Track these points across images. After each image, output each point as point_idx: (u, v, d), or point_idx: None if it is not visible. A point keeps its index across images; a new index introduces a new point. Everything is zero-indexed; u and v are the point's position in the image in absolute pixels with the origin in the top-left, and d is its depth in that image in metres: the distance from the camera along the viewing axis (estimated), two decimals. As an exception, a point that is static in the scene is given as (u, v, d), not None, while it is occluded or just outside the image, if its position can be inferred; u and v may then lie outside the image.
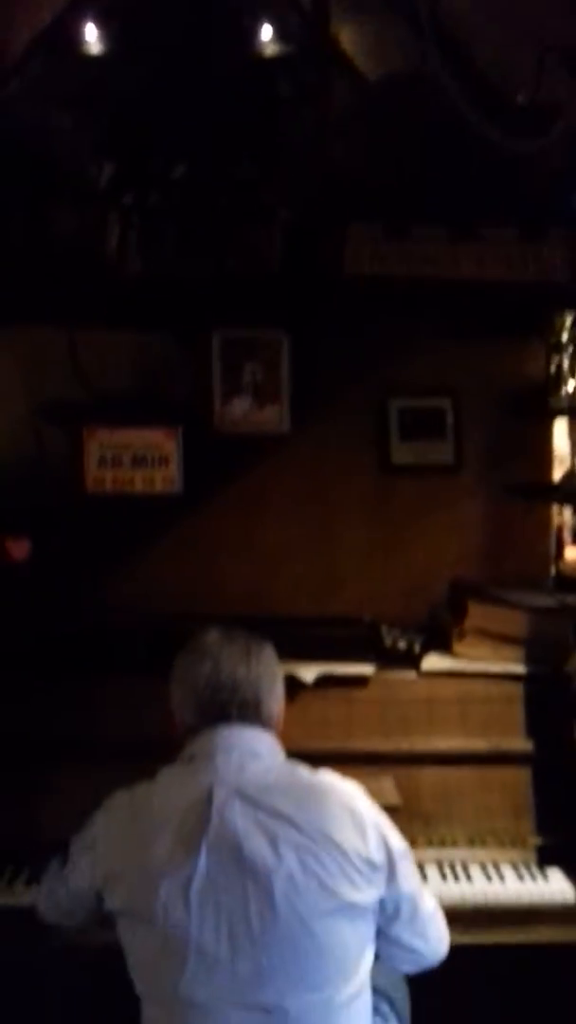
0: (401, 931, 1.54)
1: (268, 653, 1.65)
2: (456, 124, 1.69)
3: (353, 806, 1.49)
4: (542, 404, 2.66)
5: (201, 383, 2.31)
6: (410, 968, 1.64)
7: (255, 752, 1.52)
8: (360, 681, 2.25)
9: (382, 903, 1.50)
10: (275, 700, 1.62)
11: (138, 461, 2.35)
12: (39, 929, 1.83)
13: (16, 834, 2.04)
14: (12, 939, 1.87)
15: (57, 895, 1.67)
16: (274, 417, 2.33)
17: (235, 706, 1.56)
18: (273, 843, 1.42)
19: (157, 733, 2.03)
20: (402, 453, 2.69)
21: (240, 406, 2.32)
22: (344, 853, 1.43)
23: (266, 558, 2.63)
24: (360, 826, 1.47)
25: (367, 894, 1.46)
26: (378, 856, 1.47)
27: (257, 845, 1.41)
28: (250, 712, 1.56)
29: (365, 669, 2.26)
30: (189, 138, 2.37)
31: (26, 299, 2.33)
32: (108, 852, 1.51)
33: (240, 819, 1.43)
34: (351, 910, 1.44)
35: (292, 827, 1.43)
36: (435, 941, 1.62)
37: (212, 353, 2.28)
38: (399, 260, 1.96)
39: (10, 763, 2.10)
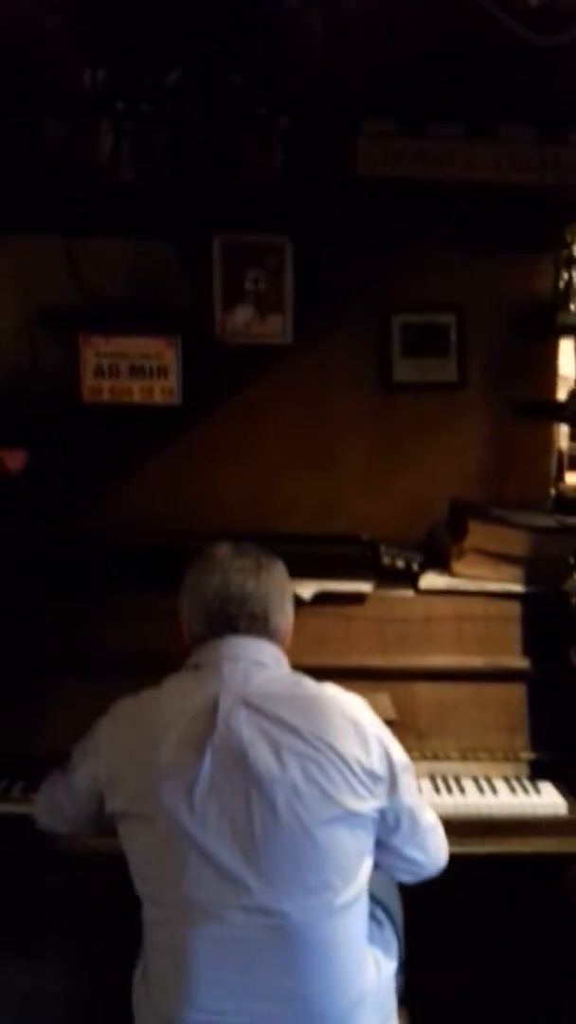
0: (401, 843, 1.58)
1: (278, 569, 1.66)
2: (472, 21, 1.59)
3: (357, 718, 1.51)
4: (549, 321, 2.60)
5: (202, 291, 2.23)
6: (408, 878, 1.68)
7: (261, 662, 1.55)
8: (358, 599, 2.25)
9: (383, 814, 1.52)
10: (283, 615, 1.64)
11: (136, 371, 2.29)
12: (37, 836, 1.86)
13: (12, 747, 2.06)
14: (10, 846, 1.90)
15: (56, 800, 1.70)
16: (276, 327, 2.26)
17: (243, 618, 1.58)
18: (277, 751, 1.44)
19: (154, 647, 2.06)
20: (404, 370, 2.64)
21: (242, 315, 2.25)
22: (347, 763, 1.46)
23: (264, 474, 2.59)
24: (363, 738, 1.49)
25: (368, 804, 1.48)
26: (380, 768, 1.50)
27: (261, 752, 1.44)
28: (257, 625, 1.58)
29: (363, 587, 2.26)
30: (185, 43, 2.25)
31: (20, 208, 2.25)
32: (113, 754, 1.53)
33: (245, 727, 1.45)
34: (352, 818, 1.47)
35: (296, 736, 1.45)
36: (434, 853, 1.65)
37: (213, 260, 2.20)
38: (414, 160, 1.87)
39: (6, 677, 2.10)
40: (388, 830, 1.55)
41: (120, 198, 2.23)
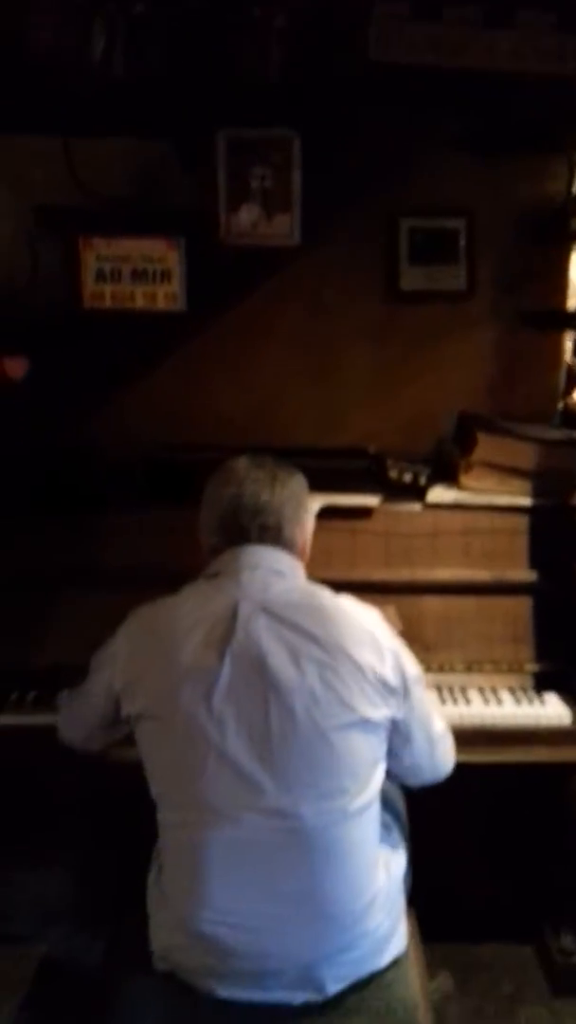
0: (412, 750, 1.60)
1: (296, 481, 1.67)
2: None
3: (372, 629, 1.53)
4: (562, 227, 2.50)
5: (205, 191, 2.13)
6: (416, 783, 1.71)
7: (279, 571, 1.56)
8: (364, 513, 2.23)
9: (395, 723, 1.54)
10: (298, 526, 1.65)
11: (138, 275, 2.20)
12: (49, 745, 1.87)
13: (22, 659, 2.06)
14: (22, 755, 1.92)
15: (74, 709, 1.71)
16: (284, 228, 2.15)
17: (256, 528, 1.59)
18: (295, 657, 1.45)
19: (158, 561, 2.06)
20: (411, 278, 2.55)
21: (248, 215, 2.15)
22: (362, 671, 1.48)
23: (268, 386, 2.53)
24: (378, 648, 1.51)
25: (381, 712, 1.50)
26: (394, 679, 1.51)
27: (280, 659, 1.45)
28: (271, 534, 1.59)
29: (370, 500, 2.23)
30: None
31: (16, 107, 2.13)
32: (131, 658, 1.54)
33: (264, 633, 1.47)
34: (366, 725, 1.49)
35: (314, 644, 1.47)
36: (442, 761, 1.69)
37: (217, 157, 2.09)
38: (428, 47, 1.76)
39: (14, 592, 2.09)
40: (401, 738, 1.57)
41: (116, 96, 2.12)
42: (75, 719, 1.71)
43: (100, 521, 2.18)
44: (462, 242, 2.55)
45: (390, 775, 1.62)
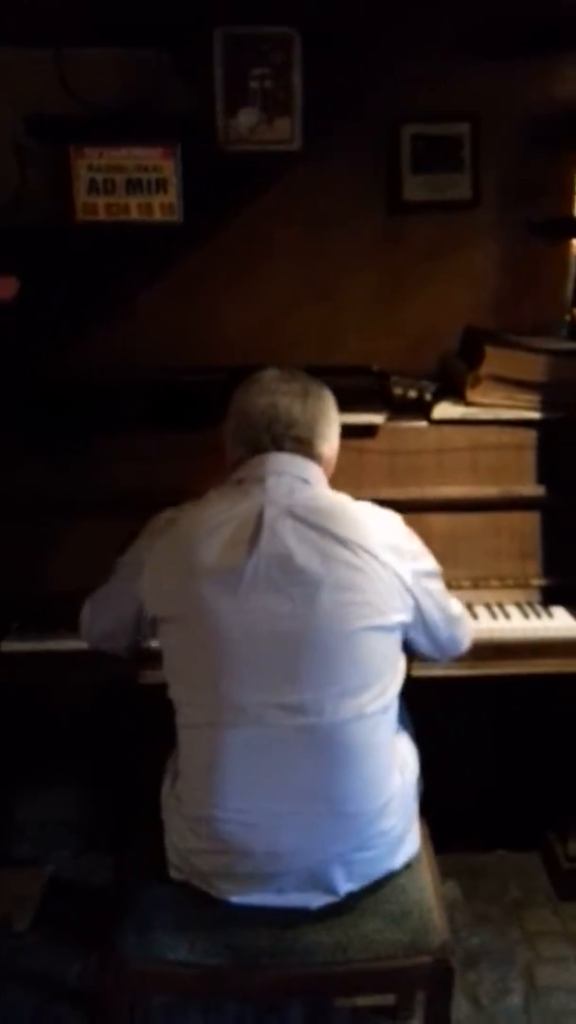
0: (432, 632, 1.63)
1: (326, 397, 1.67)
2: None
3: (395, 532, 1.57)
4: (571, 132, 2.41)
5: (202, 93, 2.03)
6: (436, 656, 1.72)
7: (305, 479, 1.56)
8: (369, 431, 2.19)
9: (416, 613, 1.57)
10: (327, 442, 1.65)
11: (133, 185, 2.13)
12: (52, 669, 1.88)
13: (26, 587, 2.05)
14: (26, 679, 1.93)
15: (100, 611, 1.70)
16: (285, 132, 2.06)
17: (288, 439, 1.58)
18: (322, 558, 1.47)
19: (162, 486, 2.02)
20: (414, 188, 2.47)
21: (247, 119, 2.05)
22: (388, 572, 1.50)
23: (268, 303, 2.47)
24: (400, 551, 1.54)
25: (402, 615, 1.53)
26: (412, 579, 1.54)
27: (306, 558, 1.46)
28: (303, 448, 1.60)
29: (374, 418, 2.19)
30: None
31: (4, 18, 2.03)
32: (154, 561, 1.54)
33: (291, 534, 1.48)
34: (389, 626, 1.52)
35: (341, 545, 1.48)
36: (461, 637, 1.73)
37: (214, 57, 1.99)
38: None
39: (14, 519, 2.07)
40: (423, 623, 1.60)
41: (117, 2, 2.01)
42: (100, 620, 1.71)
43: (102, 446, 2.14)
44: (467, 149, 2.46)
45: (414, 650, 1.65)
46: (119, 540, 1.70)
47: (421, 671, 1.84)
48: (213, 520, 1.51)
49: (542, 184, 2.49)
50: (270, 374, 1.65)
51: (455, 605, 1.70)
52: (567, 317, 2.61)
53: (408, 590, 1.54)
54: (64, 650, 1.94)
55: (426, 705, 1.89)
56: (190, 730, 1.54)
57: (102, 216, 2.15)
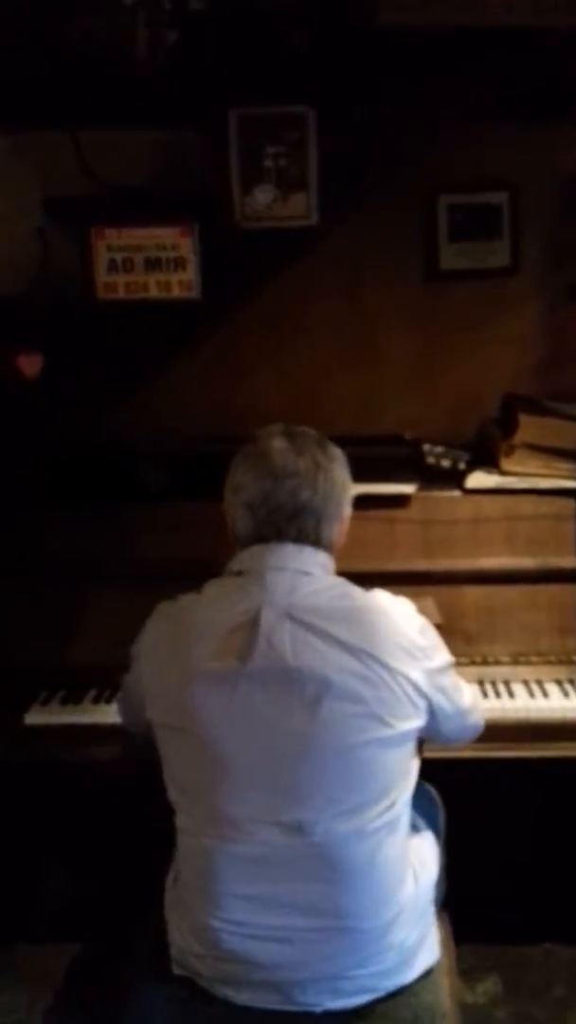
0: (440, 725, 1.51)
1: (339, 468, 1.52)
2: None
3: (406, 629, 1.43)
4: (609, 195, 2.38)
5: (218, 173, 2.08)
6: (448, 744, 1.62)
7: (307, 572, 1.45)
8: (401, 501, 2.16)
9: (429, 710, 1.46)
10: (338, 522, 1.52)
11: (152, 264, 2.16)
12: (76, 744, 1.87)
13: (50, 657, 2.04)
14: (49, 754, 1.91)
15: (123, 699, 1.67)
16: (300, 207, 2.09)
17: (292, 530, 1.46)
18: (323, 667, 1.36)
19: (188, 557, 2.02)
20: (452, 256, 2.46)
21: (262, 196, 2.08)
22: (396, 679, 1.38)
23: (304, 375, 2.48)
24: (411, 651, 1.41)
25: (414, 723, 1.42)
26: (425, 680, 1.42)
27: (307, 666, 1.36)
28: (308, 538, 1.47)
29: (406, 488, 2.16)
30: None
31: (31, 103, 2.12)
32: (151, 658, 1.48)
33: (289, 642, 1.37)
34: (398, 737, 1.40)
35: (344, 651, 1.37)
36: (471, 728, 1.63)
37: (229, 137, 2.04)
38: (442, 5, 1.65)
39: (40, 587, 2.09)
40: (433, 723, 1.48)
41: (140, 88, 2.09)
42: (123, 707, 1.68)
43: (131, 515, 2.15)
44: (505, 216, 2.45)
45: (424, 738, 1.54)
46: (143, 612, 1.68)
47: (452, 753, 1.76)
48: (209, 620, 1.42)
49: (581, 250, 2.45)
50: (276, 446, 1.48)
51: (467, 695, 1.58)
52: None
53: (421, 693, 1.41)
54: (90, 723, 1.93)
55: (462, 785, 1.81)
56: (187, 837, 1.47)
57: (122, 294, 2.19)
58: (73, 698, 1.97)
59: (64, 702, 1.98)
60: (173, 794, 1.48)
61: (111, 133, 2.20)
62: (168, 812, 1.51)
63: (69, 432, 2.26)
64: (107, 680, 1.93)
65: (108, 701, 1.94)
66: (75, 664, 2.02)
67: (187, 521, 2.10)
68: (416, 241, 2.45)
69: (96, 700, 1.97)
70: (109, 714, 1.86)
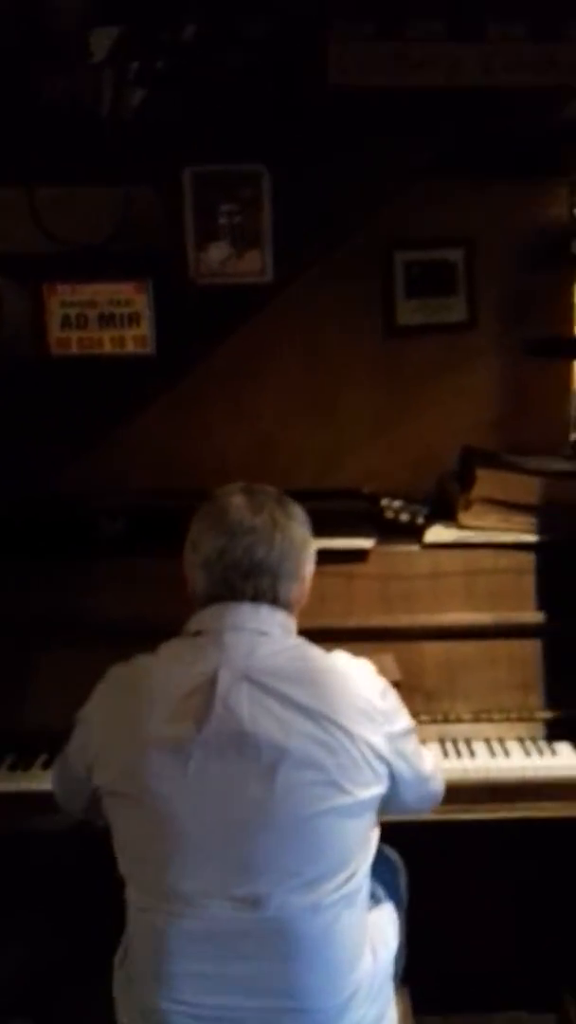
0: (404, 798, 1.47)
1: (298, 526, 1.49)
2: None
3: (367, 693, 1.39)
4: (565, 252, 2.42)
5: (173, 230, 2.09)
6: (399, 813, 1.55)
7: (265, 632, 1.41)
8: (359, 555, 2.13)
9: (391, 776, 1.42)
10: (296, 582, 1.48)
11: (106, 319, 2.15)
12: (24, 814, 1.79)
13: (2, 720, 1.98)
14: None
15: (60, 771, 1.59)
16: (255, 264, 2.10)
17: (248, 589, 1.43)
18: (281, 733, 1.31)
19: (144, 614, 1.98)
20: (409, 312, 2.49)
21: (217, 253, 2.09)
22: (356, 745, 1.34)
23: (263, 428, 2.48)
24: (371, 715, 1.37)
25: (374, 790, 1.38)
26: (385, 746, 1.39)
27: (264, 732, 1.31)
28: (265, 596, 1.43)
29: (364, 543, 2.13)
30: None
31: None
32: (102, 724, 1.42)
33: (247, 706, 1.33)
34: (357, 806, 1.36)
35: (303, 716, 1.33)
36: (432, 795, 1.58)
37: (184, 194, 2.05)
38: (392, 65, 1.68)
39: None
40: (392, 790, 1.44)
41: (96, 144, 2.11)
42: (59, 780, 1.60)
43: (85, 571, 2.11)
44: (461, 273, 2.48)
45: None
46: (98, 672, 1.63)
47: (411, 816, 1.71)
48: (164, 685, 1.37)
49: (538, 304, 2.49)
50: (234, 503, 1.46)
51: (428, 761, 1.55)
52: (572, 437, 2.57)
53: (382, 759, 1.37)
54: (40, 791, 1.82)
55: (421, 849, 1.77)
56: (136, 912, 1.40)
57: (75, 350, 2.18)
58: (23, 763, 1.91)
59: (13, 768, 1.91)
60: (123, 866, 1.41)
61: (66, 189, 2.20)
62: (120, 885, 1.44)
63: (21, 487, 2.22)
64: (59, 744, 1.84)
65: (59, 767, 1.88)
66: (25, 727, 1.96)
67: (143, 577, 2.06)
68: (374, 296, 2.48)
69: (47, 766, 1.89)
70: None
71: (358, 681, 1.41)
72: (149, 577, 2.06)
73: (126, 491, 2.30)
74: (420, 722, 1.90)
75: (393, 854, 1.73)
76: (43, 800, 1.82)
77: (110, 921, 1.54)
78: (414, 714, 1.54)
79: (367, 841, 1.43)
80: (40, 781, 1.85)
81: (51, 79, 2.15)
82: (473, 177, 2.38)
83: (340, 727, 1.33)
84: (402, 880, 1.75)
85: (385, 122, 1.90)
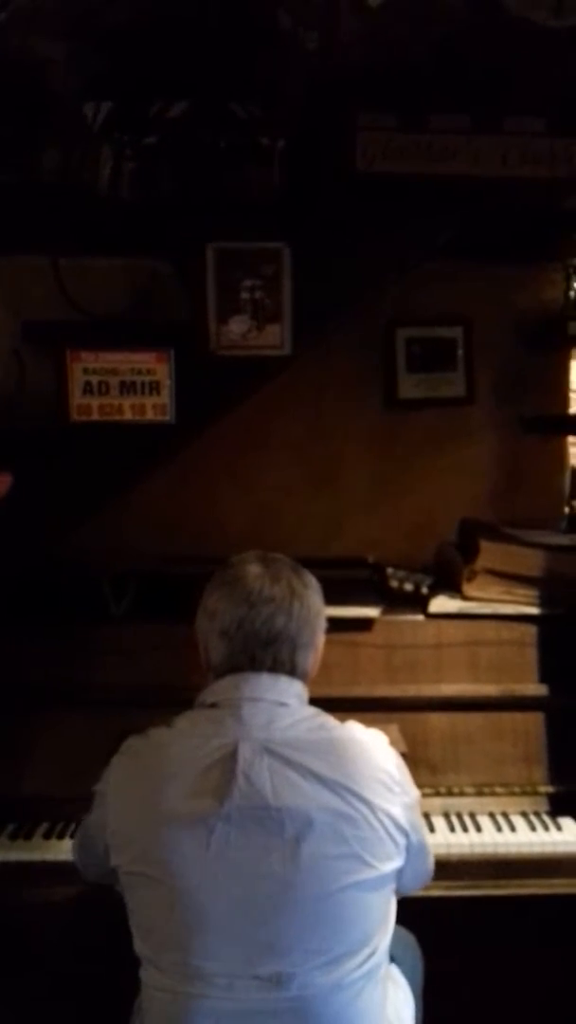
0: (411, 872, 1.45)
1: (314, 595, 1.49)
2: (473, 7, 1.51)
3: (385, 764, 1.39)
4: (560, 333, 2.51)
5: (196, 303, 2.15)
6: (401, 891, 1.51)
7: (284, 703, 1.40)
8: (364, 624, 2.14)
9: (407, 848, 1.40)
10: (312, 651, 1.48)
11: (127, 387, 2.18)
12: (27, 883, 1.75)
13: (4, 787, 1.93)
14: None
15: (81, 840, 1.53)
16: (275, 338, 2.16)
17: (267, 659, 1.42)
18: (304, 804, 1.30)
19: (152, 681, 1.97)
20: (410, 386, 2.55)
21: (238, 326, 2.15)
22: (378, 817, 1.33)
23: (266, 496, 2.51)
24: (390, 786, 1.37)
25: (396, 862, 1.37)
26: (403, 816, 1.37)
27: (287, 805, 1.30)
28: (284, 667, 1.43)
29: (369, 612, 2.14)
30: (185, 74, 2.22)
31: (12, 230, 2.19)
32: (117, 803, 1.38)
33: (269, 777, 1.31)
34: (380, 879, 1.34)
35: (326, 788, 1.31)
36: (430, 869, 1.56)
37: (207, 269, 2.11)
38: (415, 155, 1.76)
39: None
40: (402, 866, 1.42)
41: (119, 218, 2.19)
42: (80, 850, 1.54)
43: (90, 637, 2.09)
44: (460, 350, 2.56)
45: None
46: (103, 741, 1.60)
47: (417, 892, 1.68)
48: (182, 757, 1.35)
49: (534, 382, 2.57)
50: (252, 572, 1.45)
51: (427, 833, 1.54)
52: (566, 510, 2.62)
53: (401, 830, 1.36)
54: (41, 861, 1.81)
55: (435, 928, 1.74)
56: (154, 991, 1.36)
57: (96, 416, 2.20)
58: (24, 832, 1.86)
59: (13, 836, 1.86)
60: (140, 945, 1.37)
61: (91, 260, 2.26)
62: (131, 964, 1.40)
63: (33, 551, 2.22)
64: (61, 813, 1.84)
65: (61, 836, 1.85)
66: (26, 795, 1.91)
67: (150, 644, 2.05)
68: (376, 371, 2.55)
69: (48, 835, 1.85)
70: (63, 850, 1.75)
71: (376, 752, 1.40)
72: (155, 644, 2.06)
73: (130, 557, 2.29)
74: (425, 795, 1.88)
75: (409, 936, 1.70)
76: (45, 871, 1.80)
77: (117, 998, 1.50)
78: (419, 787, 1.52)
79: (387, 916, 1.41)
80: (42, 851, 1.82)
81: (55, 152, 2.22)
82: (473, 259, 2.46)
83: (362, 799, 1.32)
84: (418, 962, 1.71)
85: (402, 205, 1.98)
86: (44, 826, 1.87)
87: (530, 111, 1.82)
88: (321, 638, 1.52)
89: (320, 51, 1.94)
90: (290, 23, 2.29)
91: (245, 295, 2.14)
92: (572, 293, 2.47)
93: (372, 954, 1.35)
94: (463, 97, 1.80)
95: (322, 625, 1.52)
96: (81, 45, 2.21)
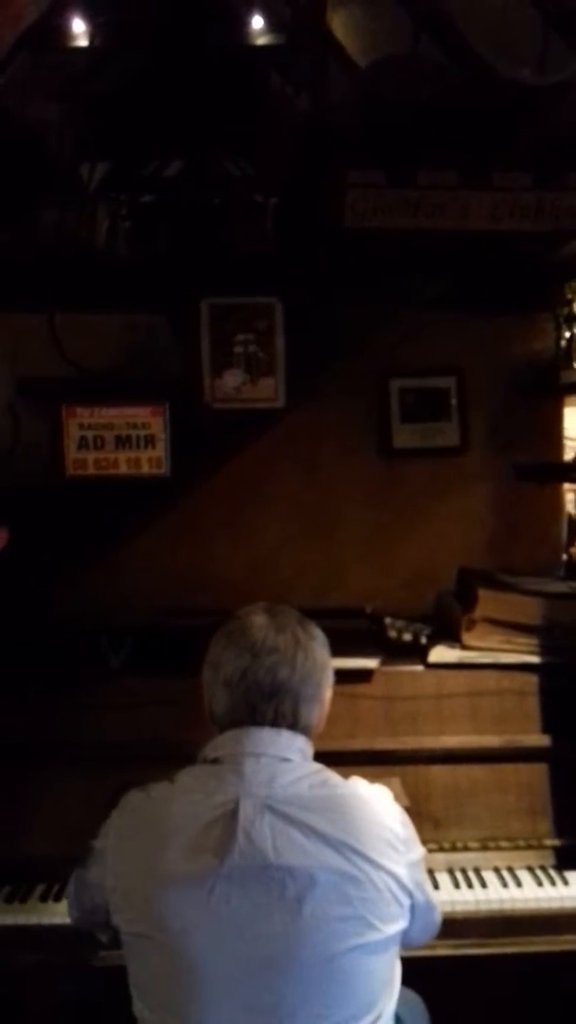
0: (413, 927, 1.40)
1: (319, 646, 1.46)
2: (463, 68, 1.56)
3: (390, 822, 1.36)
4: (552, 381, 2.53)
5: (190, 357, 2.17)
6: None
7: (286, 759, 1.37)
8: (363, 675, 2.11)
9: (412, 908, 1.37)
10: (317, 705, 1.44)
11: (122, 441, 2.20)
12: (21, 948, 1.70)
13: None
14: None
15: (77, 894, 1.49)
16: (269, 391, 2.19)
17: (269, 711, 1.39)
18: (307, 864, 1.27)
19: (151, 737, 1.94)
20: (404, 436, 2.58)
21: (232, 380, 2.17)
22: (383, 877, 1.30)
23: (263, 547, 2.51)
24: (395, 845, 1.33)
25: (400, 924, 1.33)
26: (407, 875, 1.34)
27: (288, 864, 1.26)
28: (286, 720, 1.40)
29: (368, 663, 2.12)
30: (178, 134, 2.30)
31: (9, 287, 2.23)
32: (117, 861, 1.35)
33: (270, 835, 1.28)
34: (383, 943, 1.31)
35: (328, 847, 1.28)
36: (436, 924, 1.50)
37: (201, 324, 2.14)
38: (404, 211, 1.80)
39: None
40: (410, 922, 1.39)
41: (114, 275, 2.23)
42: (75, 904, 1.50)
43: (88, 691, 2.06)
44: (453, 400, 2.59)
45: None
46: (101, 798, 1.57)
47: (422, 952, 1.64)
48: (183, 814, 1.31)
49: (527, 430, 2.59)
50: (257, 622, 1.43)
51: (431, 888, 1.50)
52: (564, 557, 2.61)
53: (405, 890, 1.33)
54: (37, 924, 1.76)
55: (441, 989, 1.68)
56: None
57: (91, 471, 2.21)
58: (19, 895, 1.81)
59: (9, 899, 1.81)
60: (139, 1008, 1.33)
61: (86, 317, 2.29)
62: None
63: (30, 606, 2.21)
64: (58, 873, 1.78)
65: (58, 898, 1.79)
66: (23, 855, 1.87)
67: (149, 698, 2.03)
68: (370, 421, 2.57)
69: (45, 897, 1.81)
70: (60, 913, 1.71)
71: (380, 810, 1.37)
72: (154, 699, 2.04)
73: (128, 610, 2.28)
74: (429, 850, 1.83)
75: (415, 998, 1.65)
76: (42, 934, 1.76)
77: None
78: (423, 842, 1.49)
79: (393, 978, 1.37)
80: (39, 914, 1.78)
81: (54, 210, 2.27)
82: (465, 310, 2.50)
83: (365, 858, 1.29)
84: (421, 1019, 1.66)
85: (393, 259, 2.02)
86: (41, 888, 1.83)
87: (517, 166, 1.86)
88: (328, 692, 1.49)
89: (310, 110, 2.00)
90: (281, 84, 2.38)
91: (239, 349, 2.17)
92: (563, 342, 2.49)
93: (378, 1019, 1.31)
94: (451, 153, 1.85)
95: (329, 679, 1.49)
96: (75, 108, 2.29)
